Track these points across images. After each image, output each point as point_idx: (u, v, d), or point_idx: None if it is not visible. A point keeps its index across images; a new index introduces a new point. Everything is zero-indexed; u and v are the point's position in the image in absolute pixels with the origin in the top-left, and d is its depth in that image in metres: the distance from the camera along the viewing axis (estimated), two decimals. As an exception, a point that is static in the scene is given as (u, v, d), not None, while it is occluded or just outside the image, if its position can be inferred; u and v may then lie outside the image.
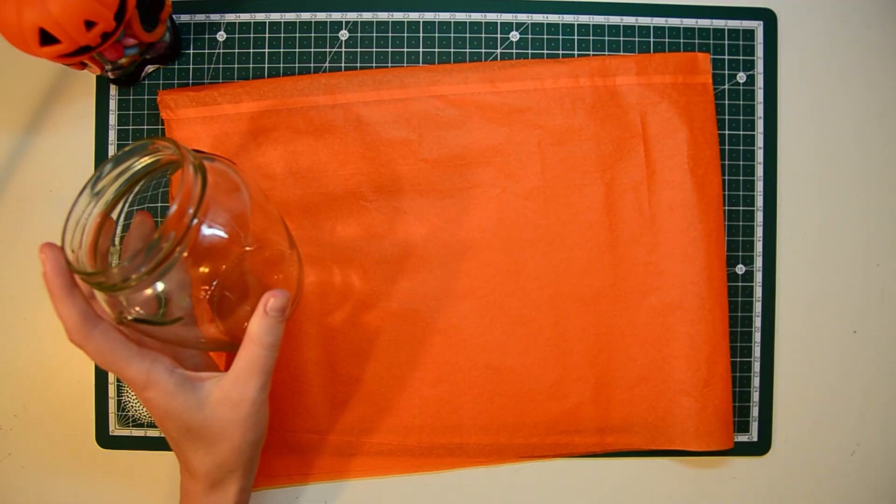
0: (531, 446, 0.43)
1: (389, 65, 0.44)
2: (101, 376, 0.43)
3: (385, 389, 0.43)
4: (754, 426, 0.45)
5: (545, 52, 0.44)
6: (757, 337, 0.45)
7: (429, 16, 0.44)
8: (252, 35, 0.44)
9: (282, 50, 0.44)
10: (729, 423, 0.43)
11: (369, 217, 0.43)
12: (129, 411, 0.43)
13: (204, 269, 0.31)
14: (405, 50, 0.44)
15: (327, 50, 0.44)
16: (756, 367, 0.45)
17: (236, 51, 0.44)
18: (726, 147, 0.45)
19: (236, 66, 0.44)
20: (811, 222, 0.45)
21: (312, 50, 0.44)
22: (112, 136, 0.44)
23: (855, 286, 0.45)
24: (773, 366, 0.45)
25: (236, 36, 0.44)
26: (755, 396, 0.45)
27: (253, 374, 0.33)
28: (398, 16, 0.44)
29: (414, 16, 0.44)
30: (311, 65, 0.44)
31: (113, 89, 0.44)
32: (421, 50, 0.44)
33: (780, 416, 0.45)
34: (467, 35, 0.44)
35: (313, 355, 0.43)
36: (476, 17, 0.44)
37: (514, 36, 0.44)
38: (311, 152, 0.43)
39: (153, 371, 0.32)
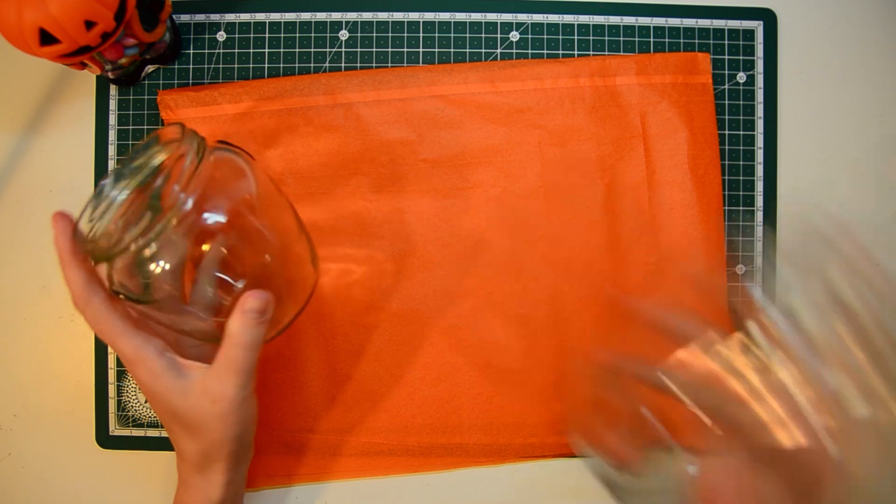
0: (531, 446, 0.43)
1: (389, 65, 0.44)
2: (101, 376, 0.43)
3: (385, 389, 0.43)
4: (754, 426, 0.45)
5: (545, 52, 0.44)
6: (757, 337, 0.45)
7: (429, 16, 0.44)
8: (252, 35, 0.44)
9: (282, 50, 0.44)
10: (729, 423, 0.43)
11: (369, 217, 0.43)
12: (129, 411, 0.43)
13: (196, 252, 0.32)
14: (405, 50, 0.44)
15: (327, 50, 0.44)
16: (756, 367, 0.45)
17: (236, 51, 0.44)
18: (726, 147, 0.45)
19: (236, 66, 0.44)
20: (811, 222, 0.45)
21: (312, 50, 0.44)
22: (112, 136, 0.44)
23: (855, 286, 0.45)
24: (773, 366, 0.45)
25: (236, 36, 0.44)
26: (755, 396, 0.45)
27: (231, 371, 0.32)
28: (398, 16, 0.44)
29: (414, 16, 0.44)
30: (311, 65, 0.44)
31: (113, 89, 0.44)
32: (421, 50, 0.44)
33: (780, 416, 0.45)
34: (467, 35, 0.44)
35: (313, 355, 0.43)
36: (476, 17, 0.44)
37: (514, 36, 0.44)
38: (310, 152, 0.43)
39: (142, 349, 0.32)
